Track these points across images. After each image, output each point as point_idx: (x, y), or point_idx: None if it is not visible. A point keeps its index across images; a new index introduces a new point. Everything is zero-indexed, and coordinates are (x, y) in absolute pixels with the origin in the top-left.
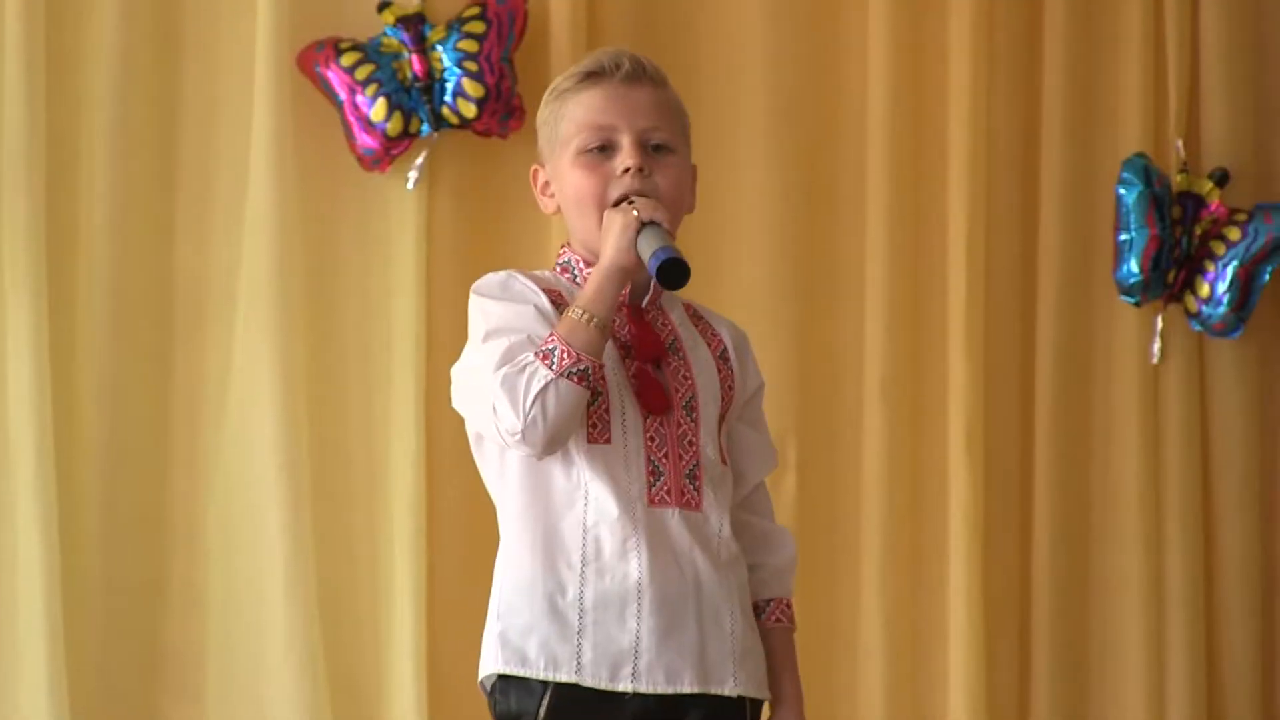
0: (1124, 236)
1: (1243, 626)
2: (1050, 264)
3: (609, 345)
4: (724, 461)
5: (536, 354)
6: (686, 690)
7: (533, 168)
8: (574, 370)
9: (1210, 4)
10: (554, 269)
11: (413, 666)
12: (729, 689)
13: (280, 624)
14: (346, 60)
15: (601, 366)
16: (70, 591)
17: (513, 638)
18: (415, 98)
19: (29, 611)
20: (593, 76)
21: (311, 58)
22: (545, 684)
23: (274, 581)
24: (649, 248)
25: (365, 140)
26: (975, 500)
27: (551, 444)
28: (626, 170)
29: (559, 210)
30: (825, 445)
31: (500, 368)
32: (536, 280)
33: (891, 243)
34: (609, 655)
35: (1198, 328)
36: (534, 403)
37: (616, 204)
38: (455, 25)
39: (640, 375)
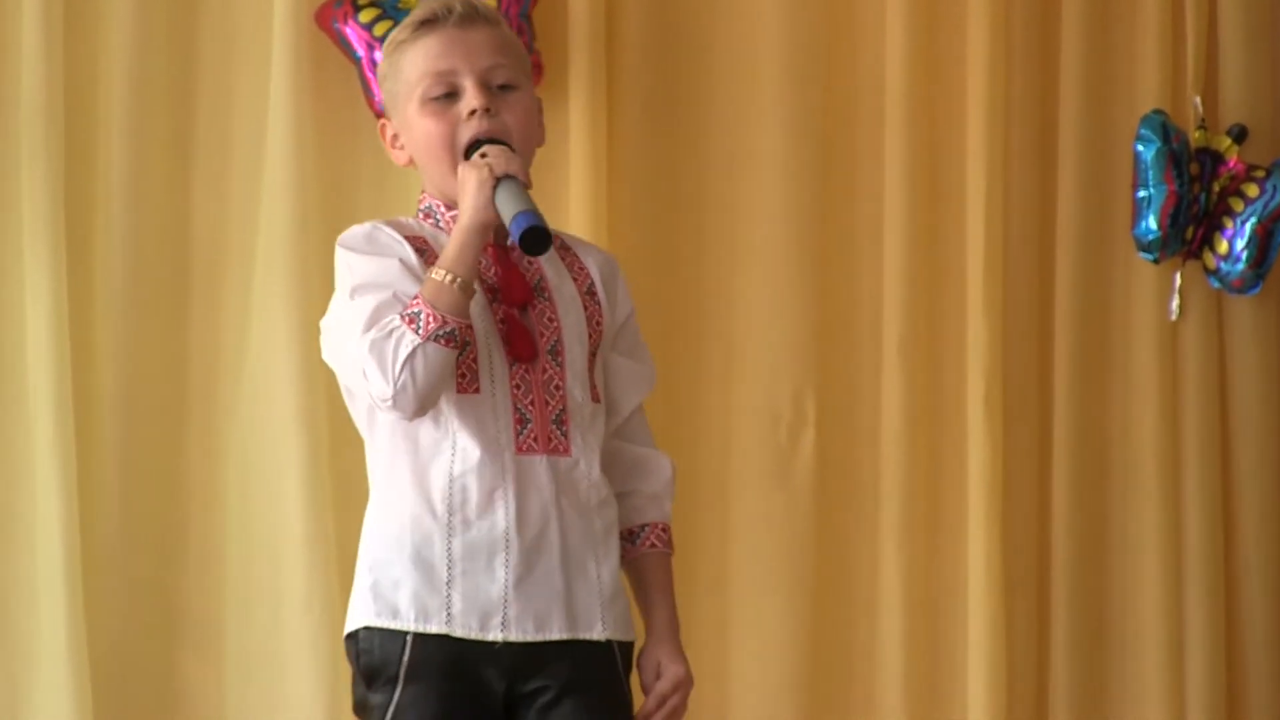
0: (1142, 193)
1: (1262, 586)
2: (1068, 221)
3: (477, 292)
4: (596, 399)
5: (402, 318)
6: (555, 637)
7: (380, 122)
8: (440, 333)
9: None
10: (417, 216)
11: None
12: (596, 633)
13: (299, 582)
14: (364, 16)
15: (469, 326)
16: (88, 550)
17: (384, 590)
18: None
19: (48, 569)
20: (427, 24)
21: (329, 14)
22: (408, 634)
23: (292, 540)
24: (509, 207)
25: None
26: (994, 458)
27: (422, 407)
28: (473, 113)
29: (411, 162)
30: (844, 404)
31: (368, 331)
32: (401, 229)
33: (909, 200)
34: (478, 605)
35: (1216, 285)
36: (403, 369)
37: (467, 151)
38: None
39: (508, 320)
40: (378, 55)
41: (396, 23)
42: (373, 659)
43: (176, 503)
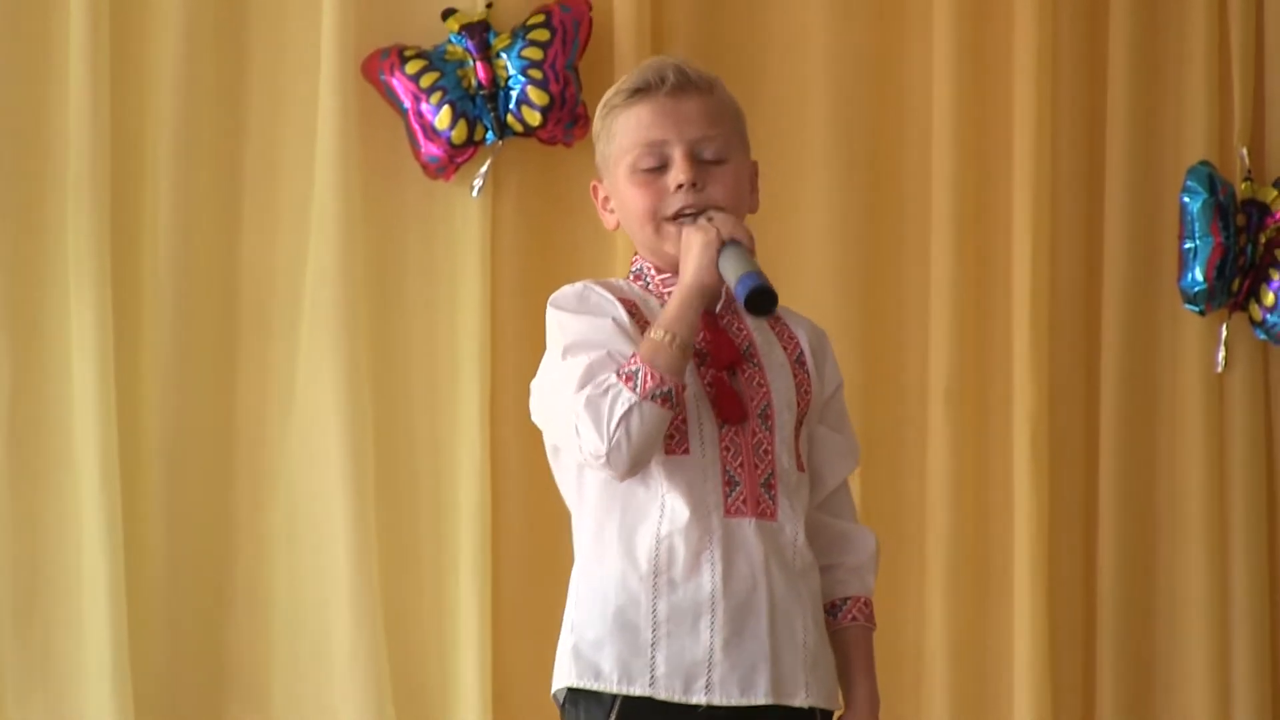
0: (1188, 245)
1: None
2: (1114, 272)
3: None
4: (801, 468)
5: (620, 375)
6: (760, 701)
7: (592, 183)
8: (658, 393)
9: (1275, 12)
10: (628, 277)
11: (477, 676)
12: (800, 700)
13: (345, 631)
14: (411, 68)
15: (684, 387)
16: (135, 598)
17: (586, 650)
18: (480, 105)
19: (94, 617)
20: (640, 92)
21: (376, 65)
22: (615, 696)
23: (339, 588)
24: (733, 270)
25: (430, 148)
26: (1040, 509)
27: (635, 465)
28: (680, 186)
29: (619, 226)
30: (890, 454)
31: (582, 388)
32: (612, 290)
33: (956, 251)
34: (682, 667)
35: (1262, 336)
36: (618, 426)
37: (674, 218)
38: (520, 33)
39: (716, 384)
40: (424, 106)
41: (443, 74)
42: (578, 718)
43: (223, 552)
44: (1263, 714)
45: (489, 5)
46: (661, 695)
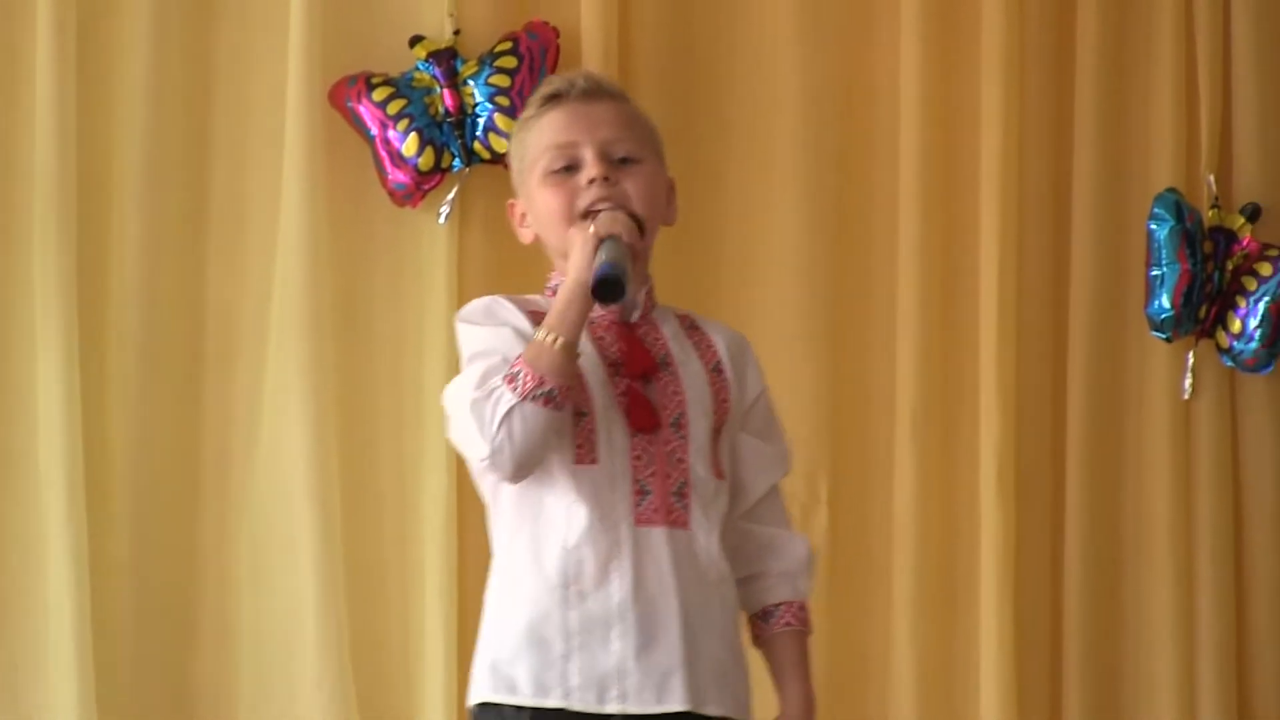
0: (1155, 272)
1: (1273, 660)
2: (1081, 299)
3: (598, 363)
4: (719, 476)
5: (504, 377)
6: (676, 708)
7: (509, 202)
8: (539, 393)
9: (1242, 41)
10: (544, 293)
11: (444, 700)
12: (711, 710)
13: (312, 655)
14: (378, 95)
15: (569, 386)
16: (101, 623)
17: (501, 665)
18: (447, 132)
19: (60, 643)
20: (552, 99)
21: (343, 92)
22: (529, 709)
23: (305, 613)
24: (600, 263)
25: (397, 175)
26: (1006, 537)
27: (520, 469)
28: (591, 181)
29: (536, 239)
30: (857, 482)
31: (472, 392)
32: (524, 304)
33: (923, 280)
34: (595, 678)
35: (1229, 363)
36: (499, 427)
37: (584, 216)
38: (487, 60)
39: (630, 393)
40: (391, 133)
41: (410, 101)
42: None
43: (189, 582)
44: None
45: (456, 32)
46: (576, 706)
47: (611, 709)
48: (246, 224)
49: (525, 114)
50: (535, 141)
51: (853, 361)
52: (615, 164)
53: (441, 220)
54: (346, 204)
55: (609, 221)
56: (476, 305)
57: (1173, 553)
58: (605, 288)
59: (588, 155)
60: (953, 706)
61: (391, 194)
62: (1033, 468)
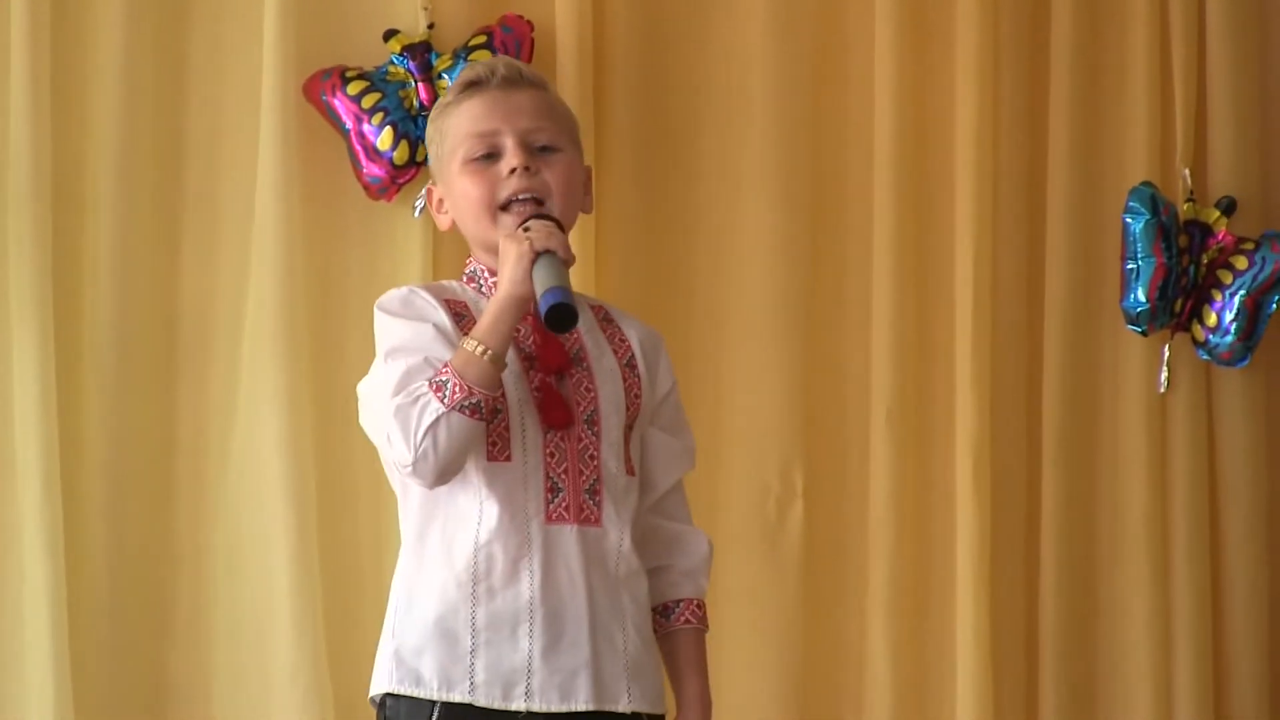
0: (1131, 265)
1: (1250, 657)
2: (1057, 293)
3: (512, 358)
4: (631, 472)
5: (430, 384)
6: (581, 708)
7: (426, 187)
8: (466, 404)
9: (1217, 34)
10: (460, 279)
11: None
12: (623, 705)
13: (286, 652)
14: (353, 89)
15: (495, 398)
16: (76, 622)
17: (406, 657)
18: (422, 126)
19: (35, 639)
20: (471, 86)
21: (318, 86)
22: (435, 702)
23: (280, 611)
24: (542, 283)
25: (371, 169)
26: (982, 529)
27: (442, 476)
28: (513, 171)
29: (454, 226)
30: (832, 474)
31: (395, 395)
32: (441, 293)
33: (898, 273)
34: (501, 674)
35: (1205, 357)
36: (425, 436)
37: (504, 207)
38: (461, 54)
39: (543, 389)
40: (365, 127)
41: (385, 95)
42: None
43: (164, 575)
44: None
45: (430, 26)
46: (481, 702)
47: (517, 706)
48: (221, 218)
49: (444, 100)
50: (455, 128)
51: (828, 354)
52: (535, 153)
53: (416, 214)
54: (321, 198)
55: (544, 236)
56: (394, 295)
57: (1149, 545)
58: (558, 317)
59: (508, 144)
60: (928, 701)
61: (366, 188)
62: (1008, 460)
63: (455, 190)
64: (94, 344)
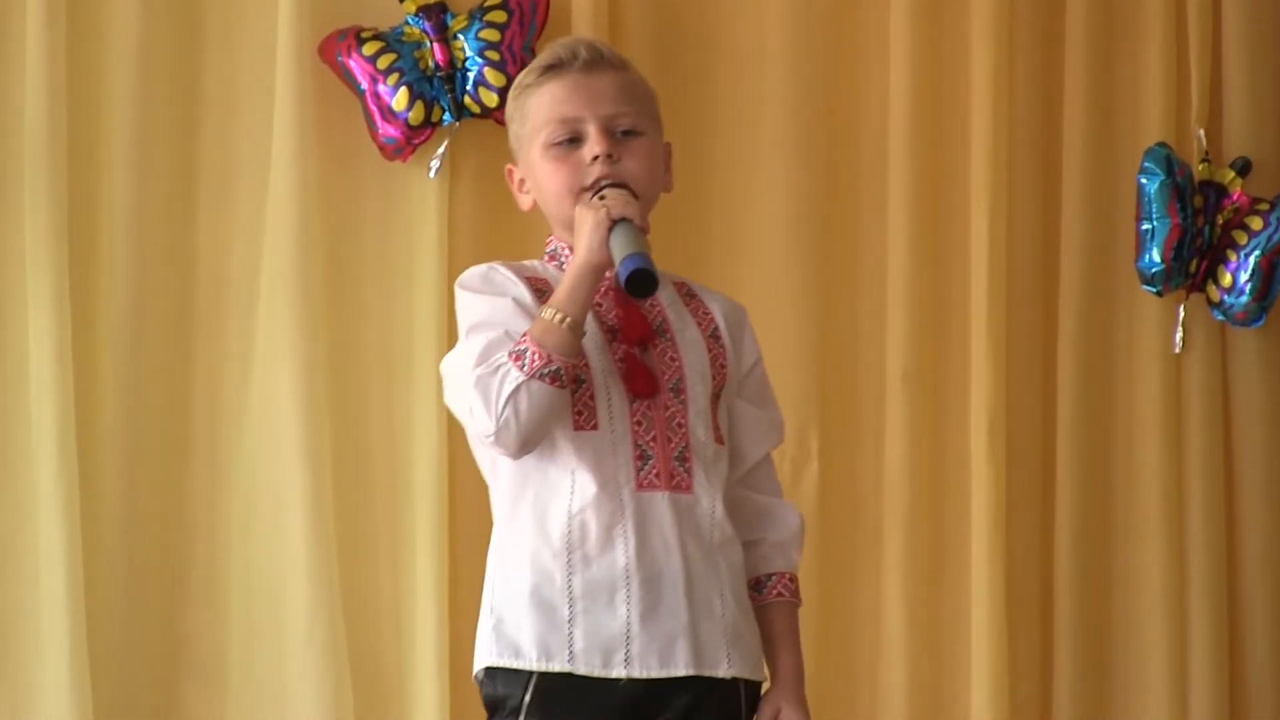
0: (1146, 226)
1: (1265, 619)
2: (1072, 254)
3: (595, 330)
4: (719, 440)
5: (510, 354)
6: (680, 673)
7: (507, 167)
8: (545, 371)
9: None
10: (543, 258)
11: (435, 656)
12: (722, 671)
13: (302, 614)
14: (368, 49)
15: (575, 365)
16: (92, 583)
17: (507, 630)
18: (437, 87)
19: (51, 602)
20: (552, 69)
21: (333, 47)
22: (533, 673)
23: (296, 572)
24: (620, 249)
25: (387, 129)
26: (997, 491)
27: (525, 445)
28: (595, 159)
29: (535, 205)
30: (847, 437)
31: (476, 367)
32: (522, 270)
33: (913, 233)
34: (600, 642)
35: (1220, 317)
36: (506, 405)
37: (591, 190)
38: (477, 14)
39: (627, 359)
40: (381, 88)
41: (400, 55)
42: (496, 693)
43: (180, 538)
44: (1219, 691)
45: None
46: (581, 670)
47: (617, 674)
48: (237, 180)
49: (524, 79)
50: (536, 111)
51: (844, 318)
52: (617, 138)
53: (432, 174)
54: (337, 159)
55: (621, 203)
56: (475, 272)
57: (1163, 506)
58: (639, 282)
59: (591, 130)
60: (943, 664)
61: (382, 148)
62: (1023, 424)
63: (537, 173)
64: (110, 304)
